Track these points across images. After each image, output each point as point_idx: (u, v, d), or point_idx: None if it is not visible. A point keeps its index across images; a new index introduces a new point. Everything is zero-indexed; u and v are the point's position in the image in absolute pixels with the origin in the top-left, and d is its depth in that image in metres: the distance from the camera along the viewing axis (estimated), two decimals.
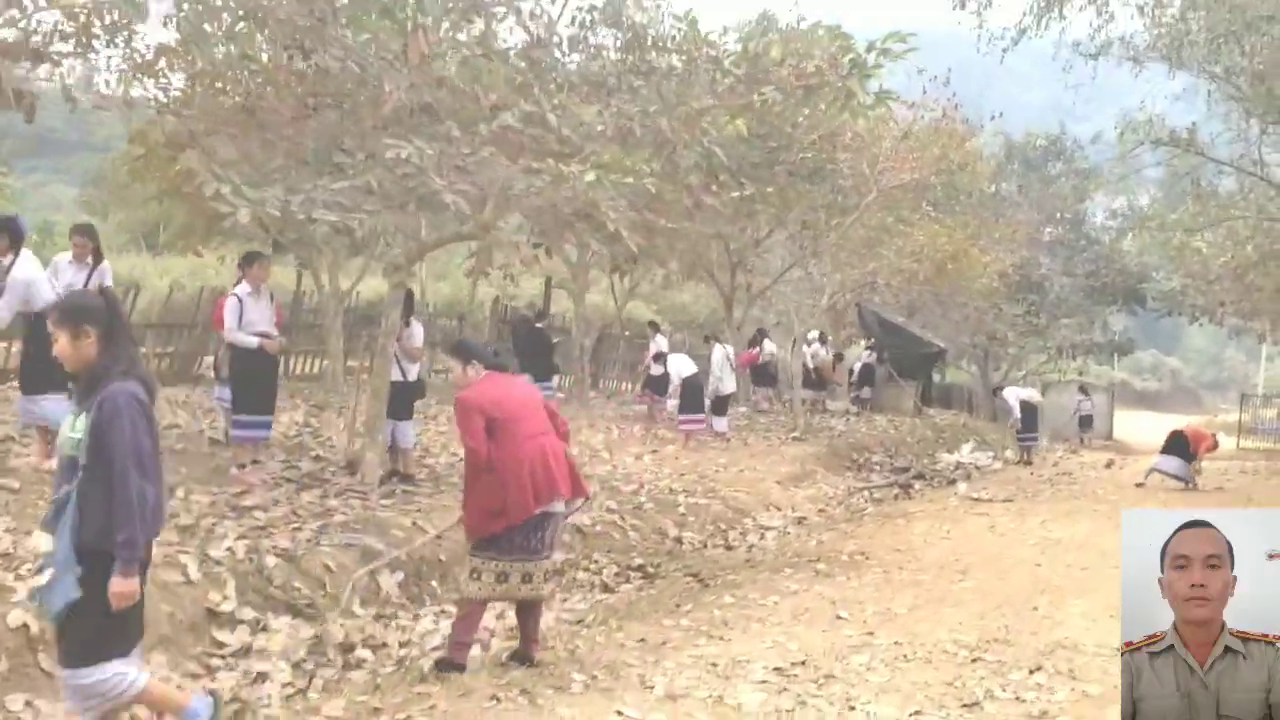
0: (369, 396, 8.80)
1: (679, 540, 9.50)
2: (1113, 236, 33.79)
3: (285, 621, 5.74)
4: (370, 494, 8.04)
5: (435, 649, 5.61)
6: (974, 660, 5.59)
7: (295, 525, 6.90)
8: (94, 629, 3.62)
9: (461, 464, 5.85)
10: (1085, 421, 28.55)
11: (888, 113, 17.09)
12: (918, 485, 14.49)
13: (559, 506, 5.12)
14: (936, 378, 28.91)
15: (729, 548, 9.65)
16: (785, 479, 13.10)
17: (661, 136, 8.11)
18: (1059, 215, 34.19)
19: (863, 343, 25.11)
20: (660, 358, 16.42)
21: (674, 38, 8.59)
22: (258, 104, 8.46)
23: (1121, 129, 20.91)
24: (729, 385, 15.58)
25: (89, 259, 7.61)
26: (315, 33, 6.93)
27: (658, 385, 16.49)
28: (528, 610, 5.21)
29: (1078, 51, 19.22)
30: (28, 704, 4.37)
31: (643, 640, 5.75)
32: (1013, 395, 19.44)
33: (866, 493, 13.64)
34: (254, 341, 8.04)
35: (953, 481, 15.04)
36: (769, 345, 20.54)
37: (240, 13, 7.69)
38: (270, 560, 6.14)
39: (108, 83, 8.81)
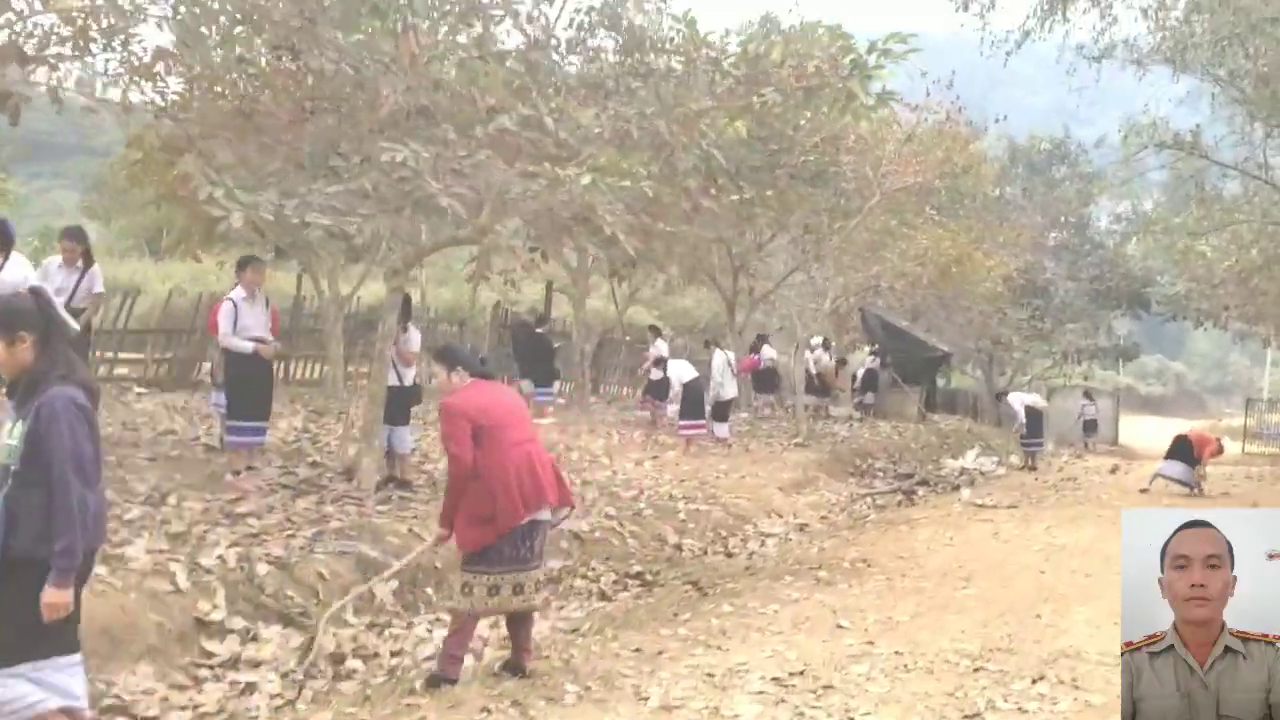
0: (366, 402, 8.73)
1: (679, 547, 9.41)
2: (1117, 241, 33.67)
3: (276, 631, 5.66)
4: (366, 500, 7.96)
5: (428, 659, 5.52)
6: (976, 670, 5.48)
7: (289, 532, 6.81)
8: (11, 636, 3.44)
9: None
10: (1089, 426, 28.44)
11: (891, 115, 17.09)
12: (921, 491, 14.38)
13: (546, 514, 5.03)
14: (941, 383, 28.81)
15: (729, 555, 9.56)
16: (787, 485, 13.01)
17: (659, 139, 8.05)
18: (1063, 219, 34.08)
19: (866, 348, 24.99)
20: (661, 362, 16.33)
21: (673, 39, 8.50)
22: (254, 107, 8.42)
23: (1125, 132, 20.83)
24: (730, 391, 15.48)
25: (79, 263, 7.54)
26: (306, 33, 6.86)
27: (659, 390, 16.40)
28: (519, 621, 5.12)
29: (1081, 54, 19.13)
30: None
31: (639, 650, 5.66)
32: (1017, 400, 19.34)
33: (869, 499, 13.53)
34: (249, 346, 7.96)
35: (957, 487, 14.93)
36: (768, 350, 20.41)
37: (237, 15, 7.64)
38: (262, 568, 6.06)
39: (105, 86, 8.77)
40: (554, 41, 8.50)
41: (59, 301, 7.21)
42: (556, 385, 17.30)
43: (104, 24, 8.29)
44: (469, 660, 5.48)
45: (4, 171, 26.99)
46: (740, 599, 7.08)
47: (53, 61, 8.31)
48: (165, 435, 9.56)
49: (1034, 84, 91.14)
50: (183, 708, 4.80)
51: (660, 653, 5.64)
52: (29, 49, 8.18)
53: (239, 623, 5.57)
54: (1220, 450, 15.70)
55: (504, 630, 5.83)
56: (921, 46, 8.41)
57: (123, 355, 13.78)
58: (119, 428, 9.59)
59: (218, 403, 9.02)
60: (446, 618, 5.66)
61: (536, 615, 6.59)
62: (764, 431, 17.14)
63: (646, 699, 4.82)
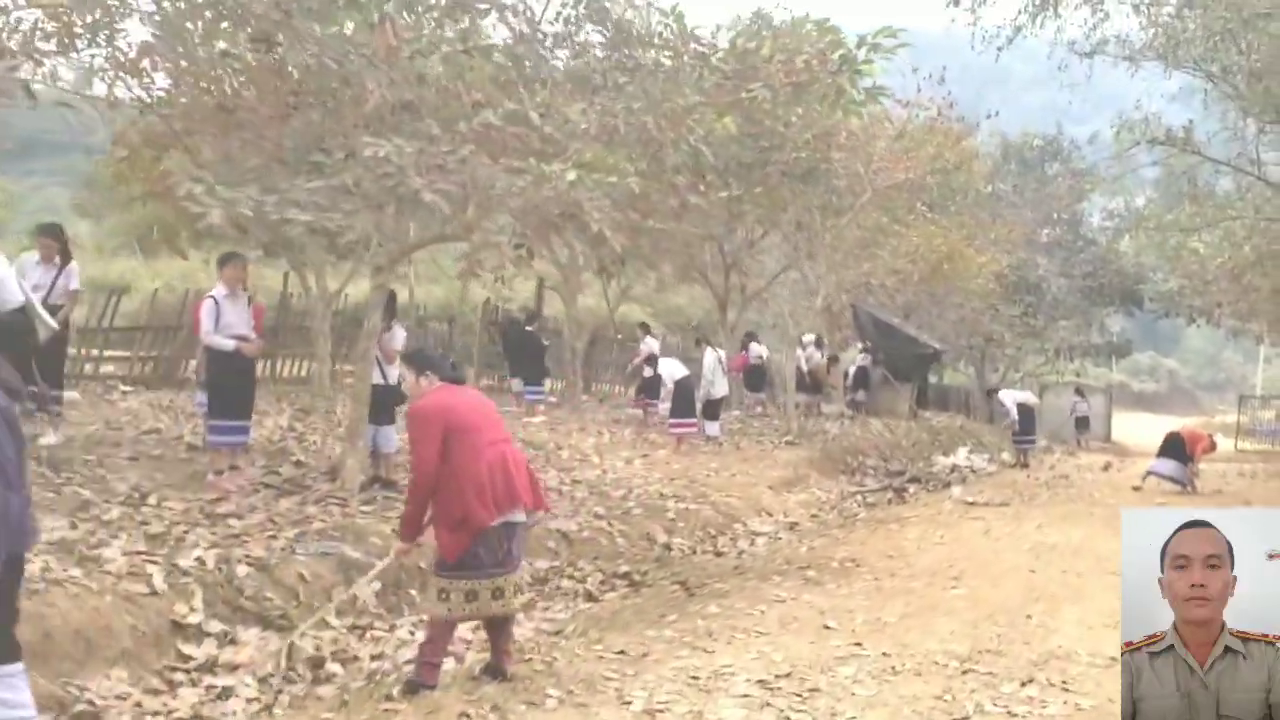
0: (350, 400, 8.63)
1: (668, 547, 9.33)
2: (1110, 237, 33.66)
3: (255, 634, 5.58)
4: (350, 500, 7.87)
5: (408, 663, 5.43)
6: (965, 672, 5.41)
7: (270, 533, 6.72)
8: None
9: None
10: (1081, 423, 28.45)
11: (883, 112, 17.02)
12: (912, 489, 14.33)
13: (521, 516, 4.91)
14: (933, 379, 28.73)
15: (718, 554, 9.48)
16: (777, 483, 12.94)
17: (647, 135, 7.95)
18: (1056, 216, 34.00)
19: (857, 345, 24.91)
20: (652, 360, 16.24)
21: (660, 34, 8.42)
22: (237, 103, 8.31)
23: (1118, 129, 20.78)
24: (721, 389, 15.40)
25: (56, 259, 7.43)
26: (285, 27, 6.76)
27: (651, 389, 16.31)
28: (499, 624, 5.02)
29: (1073, 50, 19.10)
30: None
31: (623, 652, 5.57)
32: (1009, 398, 19.31)
33: (860, 497, 13.47)
34: (230, 344, 7.86)
35: (948, 485, 14.89)
36: (755, 348, 20.32)
37: (221, 10, 7.54)
38: (241, 570, 5.97)
39: (91, 82, 8.67)
40: (541, 36, 8.39)
41: (37, 298, 7.11)
42: (547, 383, 17.21)
43: (88, 19, 8.20)
44: (450, 663, 5.40)
45: None
46: (728, 599, 7.01)
47: (37, 57, 8.23)
48: (149, 434, 9.45)
49: (1028, 83, 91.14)
50: (156, 713, 4.71)
51: (645, 655, 5.56)
52: (13, 44, 8.10)
53: (216, 625, 5.48)
54: (1212, 447, 15.68)
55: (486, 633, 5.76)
56: (915, 44, 8.36)
57: (109, 353, 13.66)
58: (102, 426, 9.49)
59: (201, 402, 8.92)
60: None
61: (521, 617, 6.54)
62: (755, 429, 17.06)
63: (629, 703, 4.73)
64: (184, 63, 8.32)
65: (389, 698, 4.74)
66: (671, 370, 14.90)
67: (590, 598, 7.40)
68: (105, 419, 9.92)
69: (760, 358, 20.41)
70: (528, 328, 16.41)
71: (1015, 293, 30.00)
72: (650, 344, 17.16)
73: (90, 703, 4.62)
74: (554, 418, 15.03)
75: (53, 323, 7.12)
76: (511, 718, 4.48)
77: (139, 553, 5.81)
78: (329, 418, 11.15)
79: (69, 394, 9.89)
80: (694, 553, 9.41)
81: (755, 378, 20.51)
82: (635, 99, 8.05)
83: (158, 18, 7.83)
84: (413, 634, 6.07)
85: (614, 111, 7.81)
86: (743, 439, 15.78)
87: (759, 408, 20.33)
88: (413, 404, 4.93)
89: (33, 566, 5.20)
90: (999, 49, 18.35)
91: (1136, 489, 14.79)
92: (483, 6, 8.21)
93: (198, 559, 5.91)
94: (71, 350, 12.71)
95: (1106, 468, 19.41)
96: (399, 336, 8.90)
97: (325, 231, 7.19)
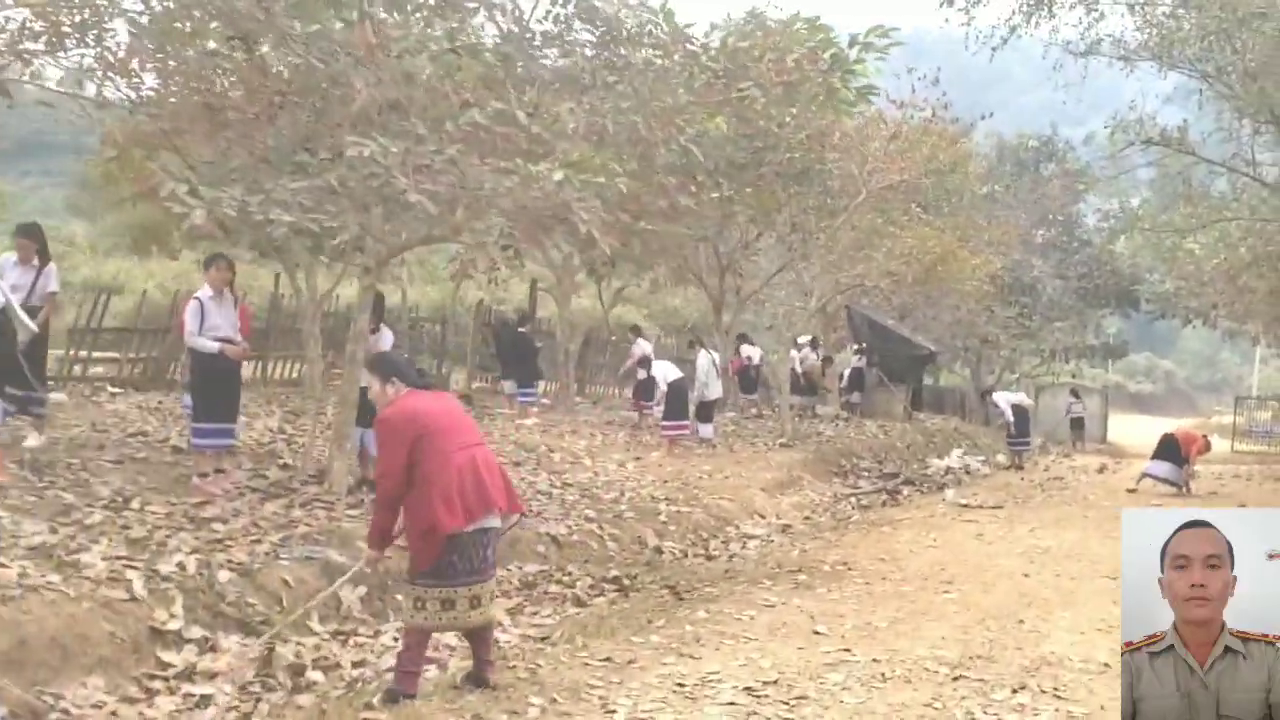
0: (337, 403, 8.55)
1: (659, 550, 9.25)
2: (1105, 238, 33.62)
3: (236, 640, 5.49)
4: (337, 504, 7.78)
5: (390, 670, 5.35)
6: (955, 678, 5.34)
7: (255, 538, 6.64)
8: None
9: None
10: (1076, 424, 28.41)
11: (878, 113, 16.97)
12: (906, 491, 14.26)
13: (495, 521, 4.81)
14: (928, 381, 28.69)
15: (709, 558, 9.40)
16: (771, 486, 12.87)
17: (636, 134, 7.87)
18: (1051, 217, 33.99)
19: (852, 347, 24.85)
20: (645, 362, 16.16)
21: (650, 32, 8.34)
22: (224, 102, 8.24)
23: (1113, 129, 20.74)
24: (715, 391, 15.33)
25: (35, 260, 7.35)
26: (267, 25, 6.68)
27: (646, 391, 16.23)
28: (480, 633, 4.93)
29: (1068, 50, 19.07)
30: None
31: (609, 659, 5.49)
32: (1003, 399, 19.25)
33: (853, 499, 13.41)
34: (214, 346, 7.78)
35: (942, 487, 14.83)
36: (746, 349, 20.24)
37: (210, 9, 7.46)
38: (223, 575, 5.88)
39: (81, 82, 8.60)
40: (529, 35, 8.30)
41: (16, 300, 7.04)
42: (540, 385, 17.13)
43: (76, 19, 8.13)
44: (432, 671, 5.32)
45: None
46: (717, 604, 6.93)
47: (26, 57, 8.15)
48: (134, 437, 9.35)
49: (1023, 84, 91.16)
50: None
51: (631, 662, 5.48)
52: (0, 44, 8.03)
53: (197, 632, 5.39)
54: (1207, 448, 15.63)
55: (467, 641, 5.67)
56: (910, 45, 8.31)
57: (98, 354, 13.56)
58: (88, 428, 9.40)
59: (188, 404, 8.83)
60: None
61: (507, 622, 6.46)
62: (749, 431, 16.99)
63: (613, 712, 4.66)
64: (172, 62, 8.26)
65: (369, 706, 4.65)
66: (665, 372, 14.84)
67: (579, 603, 7.32)
68: (91, 421, 9.82)
69: (750, 359, 20.32)
70: (521, 329, 16.32)
71: (1010, 294, 29.95)
72: (642, 346, 17.07)
73: (65, 711, 4.54)
74: (547, 420, 14.94)
75: (32, 325, 7.06)
76: None
77: (119, 558, 5.72)
78: (319, 420, 11.06)
79: (54, 396, 9.80)
80: (685, 556, 9.34)
81: (746, 379, 20.43)
82: (624, 98, 7.97)
83: (146, 18, 7.78)
84: (396, 640, 5.98)
85: (602, 111, 7.74)
86: (736, 441, 15.71)
87: (753, 409, 20.26)
88: (381, 413, 4.82)
89: (10, 572, 5.14)
90: (993, 49, 18.32)
91: (1131, 491, 14.73)
92: (471, 5, 8.13)
93: (179, 564, 5.82)
94: (60, 351, 12.65)
95: (1102, 470, 19.36)
96: (386, 339, 8.81)
97: (310, 233, 7.09)
